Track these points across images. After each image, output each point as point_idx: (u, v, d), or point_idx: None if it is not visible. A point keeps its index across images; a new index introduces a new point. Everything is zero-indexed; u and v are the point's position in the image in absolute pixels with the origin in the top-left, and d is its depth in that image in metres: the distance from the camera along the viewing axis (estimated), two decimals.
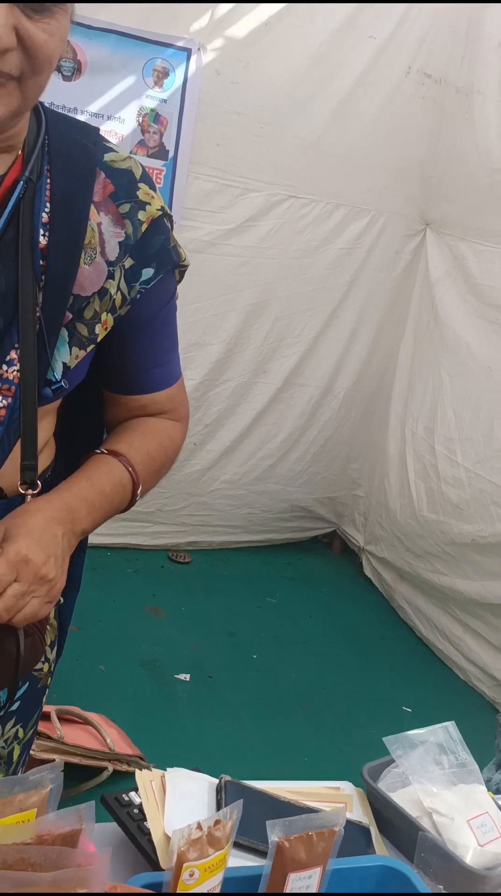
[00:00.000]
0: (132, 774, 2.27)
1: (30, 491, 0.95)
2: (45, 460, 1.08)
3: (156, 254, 1.01)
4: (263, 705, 2.67)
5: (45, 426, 1.07)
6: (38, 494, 1.00)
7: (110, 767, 2.17)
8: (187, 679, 2.70)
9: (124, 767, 2.21)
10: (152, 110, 2.87)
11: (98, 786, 2.11)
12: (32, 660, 0.95)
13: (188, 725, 2.49)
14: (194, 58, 2.82)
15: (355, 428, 3.59)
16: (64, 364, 0.96)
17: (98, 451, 1.06)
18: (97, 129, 1.02)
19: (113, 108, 2.81)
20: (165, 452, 1.14)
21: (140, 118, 2.86)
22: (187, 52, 2.81)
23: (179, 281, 1.10)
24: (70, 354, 0.96)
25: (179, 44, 2.79)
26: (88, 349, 0.98)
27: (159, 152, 2.91)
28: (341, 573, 3.66)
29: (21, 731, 1.16)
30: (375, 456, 3.54)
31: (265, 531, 3.63)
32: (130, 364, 1.08)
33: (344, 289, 3.33)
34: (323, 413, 3.51)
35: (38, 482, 0.96)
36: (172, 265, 1.03)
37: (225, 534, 3.55)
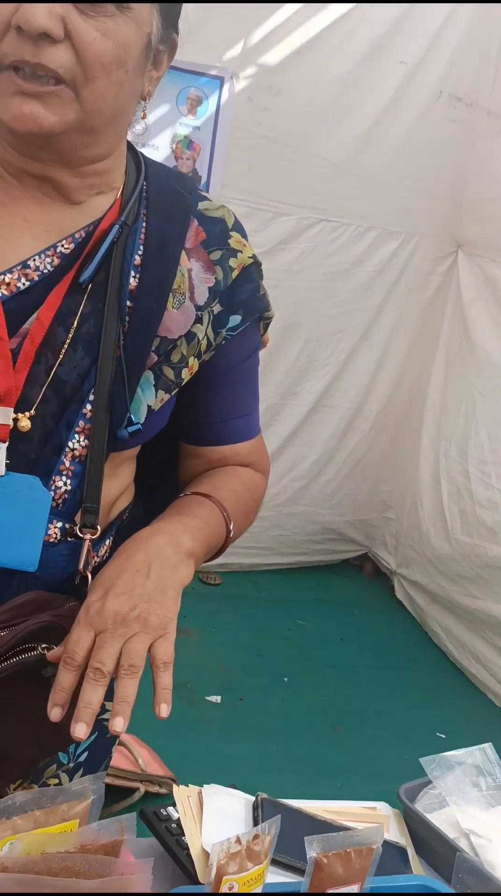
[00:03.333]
0: (163, 796, 2.27)
1: (88, 534, 0.93)
2: (122, 502, 1.06)
3: (244, 301, 1.00)
4: (294, 728, 2.65)
5: (125, 471, 1.05)
6: (101, 538, 0.99)
7: (142, 788, 2.17)
8: (218, 701, 2.69)
9: (156, 788, 2.21)
10: (186, 137, 2.92)
11: (130, 806, 2.11)
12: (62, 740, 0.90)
13: (219, 747, 2.48)
14: (226, 85, 2.87)
15: (386, 450, 3.59)
16: (149, 406, 0.95)
17: (181, 495, 1.02)
18: (194, 180, 1.03)
19: (147, 136, 2.87)
20: (251, 494, 1.09)
21: (174, 145, 2.91)
22: (221, 80, 2.86)
23: (264, 333, 1.09)
24: (156, 397, 0.95)
25: (213, 72, 2.84)
26: (173, 392, 0.97)
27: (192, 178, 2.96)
28: (372, 596, 3.64)
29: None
30: (406, 478, 3.53)
31: (296, 553, 3.62)
32: (211, 414, 1.06)
33: (375, 311, 3.34)
34: (354, 435, 3.51)
35: (98, 526, 0.94)
36: (258, 313, 1.03)
37: (255, 555, 3.55)
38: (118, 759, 2.18)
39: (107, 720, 1.13)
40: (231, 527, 1.01)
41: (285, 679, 2.89)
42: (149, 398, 0.95)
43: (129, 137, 0.96)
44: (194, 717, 2.60)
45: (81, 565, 0.92)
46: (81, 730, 0.79)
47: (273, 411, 3.34)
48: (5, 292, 0.89)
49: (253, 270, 1.01)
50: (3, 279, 0.89)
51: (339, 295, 3.26)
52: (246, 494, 1.08)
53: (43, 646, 0.85)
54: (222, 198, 2.97)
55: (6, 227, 0.91)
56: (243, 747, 2.50)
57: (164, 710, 0.84)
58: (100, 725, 1.11)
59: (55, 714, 0.81)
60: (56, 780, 1.06)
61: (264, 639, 3.10)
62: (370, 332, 3.37)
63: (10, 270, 0.89)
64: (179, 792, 0.96)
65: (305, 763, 2.47)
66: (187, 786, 0.98)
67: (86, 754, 1.08)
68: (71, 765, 1.06)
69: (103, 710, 1.13)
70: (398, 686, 3.01)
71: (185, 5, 0.93)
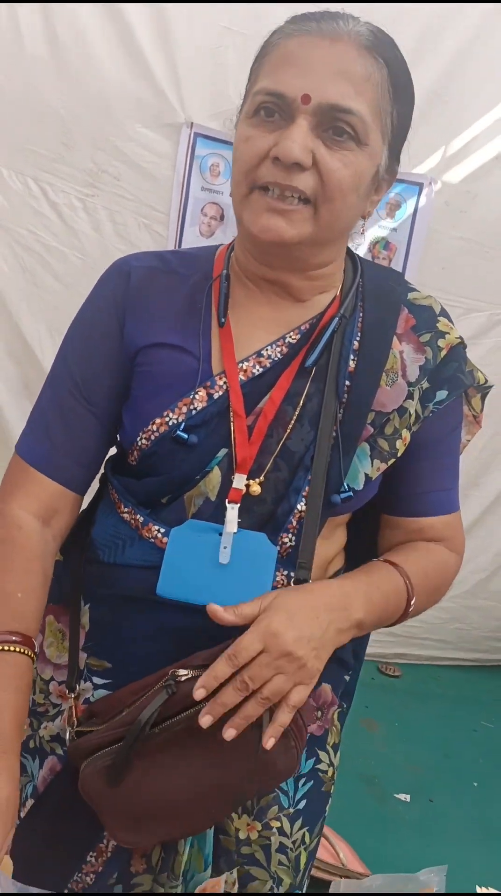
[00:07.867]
0: None
1: None
2: (336, 564, 1.17)
3: (450, 377, 1.10)
4: (489, 835, 2.54)
5: (338, 535, 1.16)
6: None
7: (342, 883, 2.13)
8: (407, 800, 2.63)
9: None
10: (383, 238, 3.05)
11: None
12: (284, 768, 0.97)
13: (411, 848, 2.40)
14: (425, 191, 3.00)
15: None
16: (366, 475, 1.06)
17: (376, 560, 1.13)
18: (401, 274, 1.16)
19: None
20: (441, 575, 1.17)
21: (372, 246, 3.05)
22: (419, 186, 2.99)
23: (482, 405, 1.18)
24: (372, 466, 1.06)
25: (412, 179, 2.98)
26: (389, 462, 1.07)
27: None
28: None
29: (307, 835, 1.17)
30: None
31: (477, 650, 3.52)
32: (412, 485, 1.15)
33: None
34: None
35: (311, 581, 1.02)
36: (463, 388, 1.12)
37: (433, 648, 3.47)
38: (320, 850, 2.16)
39: (322, 771, 1.18)
40: (412, 603, 1.09)
41: (475, 784, 2.78)
42: (366, 467, 1.06)
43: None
44: (385, 814, 2.55)
45: None
46: (199, 693, 0.91)
47: None
48: (243, 377, 1.04)
49: (459, 350, 1.11)
50: (242, 367, 1.04)
51: None
52: (435, 573, 1.15)
53: None
54: None
55: (245, 323, 1.07)
56: (435, 851, 2.40)
57: (270, 742, 0.92)
58: (315, 775, 1.18)
59: (205, 721, 0.91)
60: (278, 823, 1.12)
61: (448, 738, 3.01)
62: None
63: (247, 359, 1.05)
64: None
65: None
66: None
67: (304, 802, 1.15)
68: (291, 810, 1.13)
69: (318, 759, 1.17)
70: None
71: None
